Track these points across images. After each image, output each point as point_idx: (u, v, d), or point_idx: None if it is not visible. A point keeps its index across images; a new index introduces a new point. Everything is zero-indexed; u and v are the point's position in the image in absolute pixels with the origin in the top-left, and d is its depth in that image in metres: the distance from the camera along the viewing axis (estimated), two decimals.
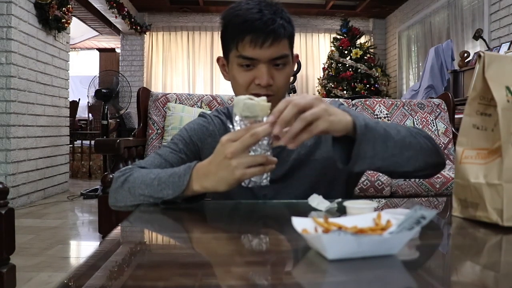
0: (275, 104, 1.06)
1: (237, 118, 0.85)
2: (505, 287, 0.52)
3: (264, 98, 0.85)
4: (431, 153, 0.98)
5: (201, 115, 1.26)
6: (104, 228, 2.05)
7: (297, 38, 8.21)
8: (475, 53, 4.82)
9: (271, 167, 0.84)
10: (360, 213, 0.73)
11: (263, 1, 1.08)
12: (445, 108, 2.51)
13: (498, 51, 4.31)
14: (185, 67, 8.62)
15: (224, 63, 1.17)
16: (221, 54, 1.18)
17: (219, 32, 1.15)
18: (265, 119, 0.84)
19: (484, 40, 4.70)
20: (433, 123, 2.45)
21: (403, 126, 0.99)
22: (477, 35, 4.62)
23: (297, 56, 1.17)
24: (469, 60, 4.79)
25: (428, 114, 2.47)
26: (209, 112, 1.27)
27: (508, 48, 4.21)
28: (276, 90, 1.09)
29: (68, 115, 5.39)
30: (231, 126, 0.87)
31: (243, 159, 0.82)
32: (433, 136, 2.41)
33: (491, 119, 0.82)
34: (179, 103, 2.38)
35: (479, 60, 0.80)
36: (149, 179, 0.95)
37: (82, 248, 3.11)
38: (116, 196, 1.01)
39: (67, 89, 5.29)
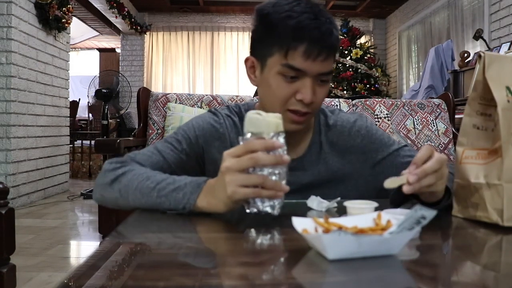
0: (307, 123, 0.99)
1: (245, 134, 0.79)
2: (505, 287, 0.52)
3: (277, 114, 0.78)
4: None
5: (213, 112, 1.13)
6: (104, 228, 2.05)
7: None
8: (475, 53, 4.81)
9: (270, 194, 0.75)
10: (361, 213, 0.73)
11: (315, 5, 0.96)
12: (445, 108, 2.51)
13: (498, 51, 4.31)
14: (185, 67, 8.61)
15: (255, 65, 1.04)
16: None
17: (253, 28, 1.02)
18: (271, 135, 0.77)
19: (484, 40, 4.70)
20: (433, 123, 2.45)
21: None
22: (477, 35, 4.62)
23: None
24: (469, 60, 4.78)
25: (428, 114, 2.47)
26: (220, 109, 1.15)
27: (509, 48, 4.21)
28: (314, 108, 1.00)
29: (68, 115, 5.39)
30: (240, 142, 0.79)
31: (236, 175, 0.75)
32: (433, 137, 2.41)
33: (491, 119, 0.82)
34: (179, 103, 2.38)
35: (479, 60, 0.80)
36: (146, 188, 0.87)
37: (82, 248, 3.11)
38: (103, 193, 0.94)
39: (67, 89, 5.29)
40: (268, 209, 0.78)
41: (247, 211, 0.80)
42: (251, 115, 0.78)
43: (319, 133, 1.12)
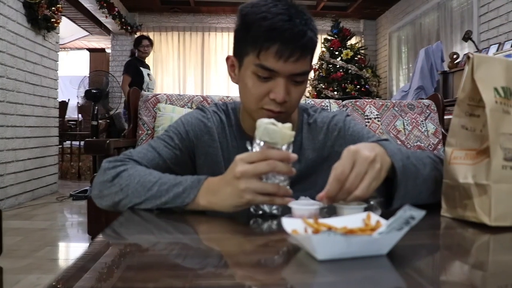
0: (282, 120, 1.02)
1: (257, 140, 0.81)
2: (493, 286, 0.52)
3: (289, 125, 0.80)
4: None
5: (200, 109, 1.17)
6: (93, 229, 2.04)
7: None
8: (464, 54, 4.85)
9: (283, 201, 0.78)
10: (350, 214, 0.73)
11: (292, 6, 0.98)
12: (435, 109, 2.53)
13: (487, 53, 4.35)
14: (175, 67, 8.59)
15: (234, 64, 1.08)
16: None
17: (235, 28, 1.05)
18: (284, 147, 0.80)
19: (474, 42, 4.74)
20: (423, 124, 2.47)
21: (426, 154, 0.93)
22: (467, 37, 4.66)
23: (312, 68, 1.08)
24: (459, 62, 4.82)
25: (418, 115, 2.49)
26: (207, 106, 1.19)
27: (497, 50, 4.25)
28: (289, 107, 1.02)
29: (58, 116, 5.34)
30: (249, 148, 0.82)
31: (252, 183, 0.77)
32: (422, 137, 2.43)
33: (479, 120, 0.82)
34: (170, 103, 2.37)
35: (468, 61, 0.81)
36: (148, 182, 0.89)
37: (71, 249, 3.09)
38: (102, 190, 0.94)
39: (56, 89, 5.25)
40: (275, 212, 0.84)
41: (251, 211, 0.84)
42: (267, 125, 0.79)
43: (300, 131, 1.15)
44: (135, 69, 5.54)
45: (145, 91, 5.27)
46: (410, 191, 0.85)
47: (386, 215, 0.64)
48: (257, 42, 0.96)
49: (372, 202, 0.86)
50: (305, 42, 0.96)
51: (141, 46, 5.49)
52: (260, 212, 0.84)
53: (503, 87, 0.79)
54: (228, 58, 1.10)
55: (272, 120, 0.80)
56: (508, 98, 0.79)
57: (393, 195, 0.84)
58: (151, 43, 5.59)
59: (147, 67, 5.81)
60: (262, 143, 0.80)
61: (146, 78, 5.56)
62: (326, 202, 0.77)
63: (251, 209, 0.84)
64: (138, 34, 8.26)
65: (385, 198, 0.88)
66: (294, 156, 0.78)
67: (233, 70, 1.09)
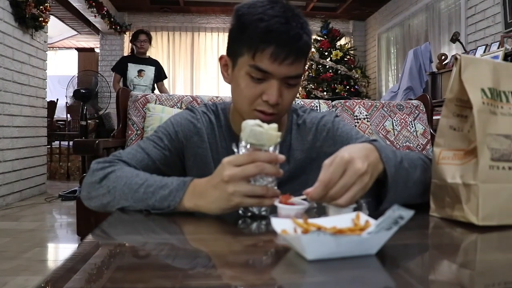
0: (274, 122, 1.02)
1: (243, 142, 0.80)
2: (480, 285, 0.53)
3: (275, 126, 0.80)
4: None
5: (190, 109, 1.17)
6: (82, 230, 2.03)
7: None
8: (452, 55, 4.90)
9: (272, 202, 0.78)
10: (340, 214, 0.74)
11: (289, 9, 0.99)
12: (424, 109, 2.55)
13: (475, 54, 4.39)
14: (165, 67, 8.48)
15: (228, 64, 1.07)
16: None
17: (230, 27, 1.05)
18: (271, 149, 0.79)
19: (461, 43, 4.78)
20: (412, 124, 2.48)
21: (417, 156, 0.93)
22: (454, 38, 4.70)
23: (305, 71, 1.12)
24: (447, 63, 4.87)
25: (407, 115, 2.51)
26: (197, 106, 1.19)
27: (484, 51, 4.30)
28: (281, 110, 1.02)
29: (46, 116, 5.30)
30: (235, 150, 0.81)
31: (241, 187, 0.77)
32: (411, 137, 2.45)
33: (467, 120, 0.83)
34: (159, 103, 2.37)
35: (456, 62, 0.82)
36: (135, 184, 0.88)
37: (60, 250, 3.06)
38: (90, 191, 0.94)
39: (44, 89, 5.20)
40: (264, 213, 0.83)
41: (240, 212, 0.84)
42: (253, 127, 0.78)
43: (290, 132, 1.15)
44: (122, 65, 5.26)
45: (129, 87, 5.09)
46: (400, 194, 0.85)
47: (375, 215, 0.65)
48: (253, 43, 0.97)
49: (360, 202, 0.87)
50: (300, 45, 0.97)
51: (137, 41, 5.19)
52: (249, 214, 0.84)
53: (490, 88, 0.80)
54: (221, 58, 1.10)
55: (258, 122, 0.79)
56: (494, 99, 0.80)
57: (383, 197, 0.85)
58: (148, 38, 5.28)
59: (147, 62, 5.32)
60: (248, 145, 0.79)
61: (130, 74, 5.21)
62: (309, 199, 0.77)
63: (240, 211, 0.84)
64: (128, 34, 8.24)
65: (374, 199, 0.88)
66: (282, 157, 0.78)
67: (226, 70, 1.09)
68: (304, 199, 0.80)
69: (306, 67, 7.24)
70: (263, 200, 0.78)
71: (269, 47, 0.95)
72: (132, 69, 5.22)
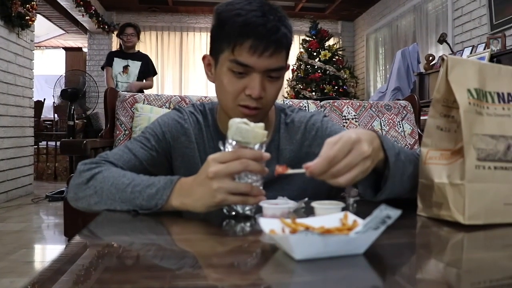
0: (260, 117, 1.01)
1: (229, 140, 0.80)
2: (467, 284, 0.54)
3: (262, 125, 0.80)
4: None
5: (177, 109, 1.17)
6: (70, 231, 2.01)
7: None
8: (439, 56, 4.95)
9: (256, 201, 0.79)
10: (328, 214, 0.74)
11: (266, 4, 1.00)
12: (411, 109, 2.56)
13: (461, 55, 4.44)
14: None
15: (211, 63, 1.08)
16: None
17: (211, 27, 1.07)
18: (257, 146, 0.79)
19: (448, 44, 4.83)
20: (400, 124, 2.50)
21: (411, 152, 0.94)
22: (442, 39, 4.75)
23: (288, 66, 1.10)
24: (434, 63, 4.91)
25: (394, 116, 2.52)
26: (184, 107, 1.19)
27: (470, 53, 4.34)
28: (265, 104, 1.02)
29: (33, 116, 5.25)
30: (222, 147, 0.82)
31: (225, 183, 0.77)
32: (399, 138, 2.46)
33: (454, 120, 0.84)
34: (147, 103, 2.35)
35: (443, 63, 0.83)
36: (122, 184, 0.89)
37: (47, 252, 3.03)
38: (78, 192, 0.94)
39: (31, 88, 5.15)
40: (248, 212, 0.83)
41: (224, 212, 0.84)
42: (239, 125, 0.78)
43: (278, 131, 1.15)
44: (110, 60, 4.91)
45: (115, 82, 4.81)
46: (397, 186, 0.86)
47: (363, 215, 0.65)
48: (232, 38, 0.98)
49: (349, 201, 0.87)
50: (278, 37, 0.97)
51: (124, 35, 4.82)
52: (233, 213, 0.83)
53: (476, 89, 0.81)
54: (204, 57, 1.11)
55: (244, 120, 0.80)
56: (480, 100, 0.81)
57: (381, 187, 0.85)
58: (136, 31, 4.85)
59: (134, 57, 4.93)
60: (234, 143, 0.80)
61: (115, 70, 4.84)
62: (308, 174, 0.76)
63: (224, 210, 0.84)
64: (115, 33, 8.19)
65: (371, 188, 0.89)
66: (267, 155, 0.79)
67: (210, 69, 1.09)
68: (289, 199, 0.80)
69: (295, 67, 7.29)
70: (248, 198, 0.78)
71: (247, 40, 0.96)
72: (117, 65, 4.87)
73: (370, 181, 0.87)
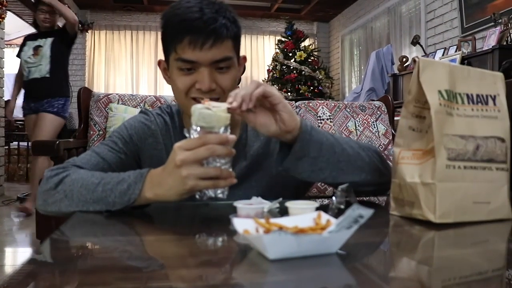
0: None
1: (193, 126, 0.80)
2: (437, 280, 0.55)
3: (224, 107, 0.80)
4: (378, 169, 0.98)
5: (143, 112, 1.18)
6: (42, 233, 1.97)
7: (242, 40, 8.22)
8: (412, 58, 5.04)
9: (227, 183, 0.79)
10: (302, 213, 0.74)
11: (205, 0, 1.01)
12: (385, 110, 2.60)
13: (434, 57, 4.53)
14: (128, 67, 8.42)
15: (166, 67, 1.10)
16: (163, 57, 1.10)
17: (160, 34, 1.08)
18: (221, 130, 0.79)
19: (421, 46, 4.92)
20: (374, 124, 2.53)
21: (356, 142, 0.98)
22: (415, 41, 4.83)
23: (244, 58, 1.12)
24: (408, 65, 4.99)
25: (369, 116, 2.55)
26: (151, 109, 1.19)
27: (443, 54, 4.43)
28: (221, 93, 1.02)
29: (3, 116, 5.12)
30: (187, 135, 0.81)
31: (194, 170, 0.78)
32: (373, 138, 2.50)
33: (425, 121, 0.86)
34: (122, 103, 2.33)
35: (415, 65, 0.84)
36: (92, 184, 0.88)
37: (19, 255, 2.97)
38: (46, 198, 0.93)
39: (1, 87, 5.03)
40: (220, 195, 0.82)
41: (197, 197, 0.82)
42: (201, 110, 0.78)
43: (245, 129, 1.16)
44: (20, 49, 3.89)
45: (23, 73, 3.85)
46: (325, 155, 0.91)
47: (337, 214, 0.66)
48: (173, 37, 1.00)
49: (333, 205, 0.88)
50: (216, 28, 0.98)
51: (38, 10, 3.78)
52: (205, 198, 0.83)
53: (447, 90, 0.83)
54: (159, 63, 1.13)
55: (206, 105, 0.80)
56: (451, 101, 0.83)
57: (305, 150, 0.89)
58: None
59: (46, 35, 3.81)
60: (199, 129, 0.80)
61: (25, 55, 3.78)
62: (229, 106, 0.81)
63: (197, 196, 0.83)
64: (89, 32, 8.05)
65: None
66: (233, 137, 0.79)
67: (166, 73, 1.10)
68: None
69: (271, 68, 7.31)
70: (218, 181, 0.79)
71: (186, 37, 0.97)
72: (27, 49, 3.80)
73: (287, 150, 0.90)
